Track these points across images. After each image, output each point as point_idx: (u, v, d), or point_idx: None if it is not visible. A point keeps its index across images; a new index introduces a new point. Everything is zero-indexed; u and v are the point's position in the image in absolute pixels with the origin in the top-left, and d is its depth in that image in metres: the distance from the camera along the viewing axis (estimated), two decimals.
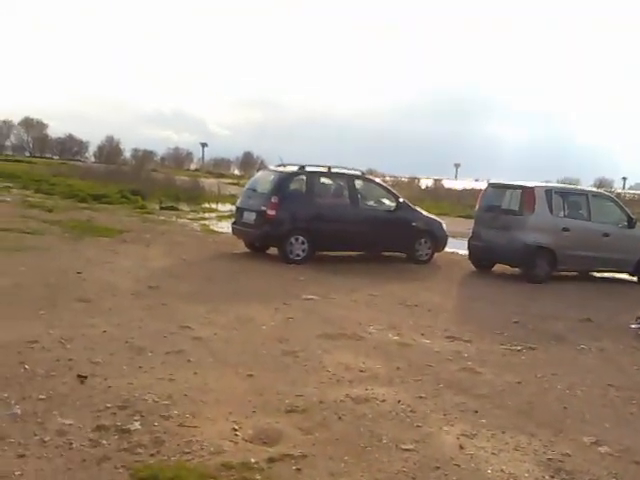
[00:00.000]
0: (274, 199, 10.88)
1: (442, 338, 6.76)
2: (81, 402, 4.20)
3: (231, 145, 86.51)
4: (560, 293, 10.25)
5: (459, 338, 6.77)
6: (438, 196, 33.08)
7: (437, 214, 14.63)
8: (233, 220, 12.36)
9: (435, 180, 45.16)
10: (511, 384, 5.38)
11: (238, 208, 12.08)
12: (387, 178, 42.14)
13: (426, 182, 43.86)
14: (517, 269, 11.60)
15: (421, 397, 4.85)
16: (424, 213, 12.58)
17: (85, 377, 4.62)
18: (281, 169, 11.73)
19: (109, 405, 4.16)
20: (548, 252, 10.88)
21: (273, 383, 4.89)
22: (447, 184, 43.22)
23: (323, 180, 11.88)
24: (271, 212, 10.84)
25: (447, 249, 13.05)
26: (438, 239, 12.36)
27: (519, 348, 6.58)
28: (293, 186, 11.51)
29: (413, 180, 44.18)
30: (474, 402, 4.85)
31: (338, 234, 11.26)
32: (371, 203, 12.11)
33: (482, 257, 11.86)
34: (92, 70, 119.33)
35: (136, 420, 3.97)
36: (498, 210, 11.52)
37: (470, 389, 5.15)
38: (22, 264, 8.79)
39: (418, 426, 4.30)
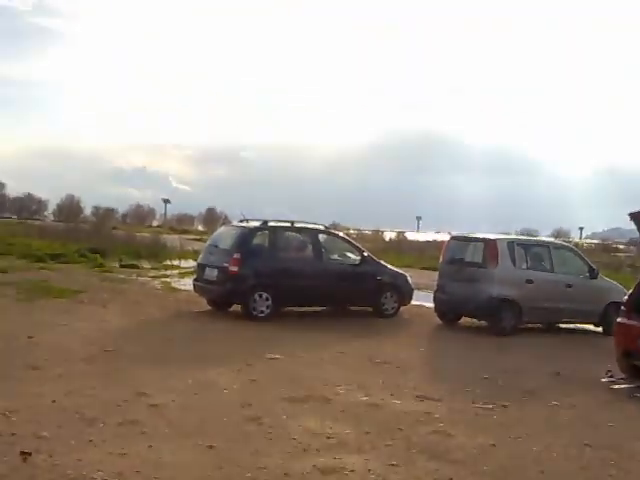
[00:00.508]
0: (236, 255, 10.65)
1: (412, 398, 6.52)
2: None
3: (194, 201, 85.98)
4: (527, 346, 10.15)
5: (429, 397, 6.54)
6: (401, 249, 33.32)
7: (401, 267, 14.59)
8: (194, 277, 12.04)
9: (398, 233, 45.65)
10: (485, 447, 5.15)
11: (199, 264, 11.79)
12: (351, 231, 42.31)
13: (389, 235, 44.28)
14: (483, 322, 11.51)
15: (393, 465, 4.58)
16: (389, 266, 12.48)
17: (29, 454, 4.23)
18: (243, 224, 11.56)
19: None
20: (513, 304, 10.83)
21: (235, 454, 4.57)
22: (410, 236, 43.71)
23: (286, 235, 11.73)
24: (233, 268, 10.58)
25: (413, 302, 12.93)
26: (404, 292, 12.24)
27: (491, 406, 6.38)
28: (256, 241, 11.32)
29: (377, 233, 44.50)
30: (448, 468, 4.59)
31: (303, 289, 11.04)
32: (335, 257, 11.98)
33: (448, 310, 11.76)
34: (53, 128, 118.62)
35: None
36: (462, 263, 11.49)
37: (443, 454, 4.89)
38: None
39: None
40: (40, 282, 13.85)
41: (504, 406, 6.42)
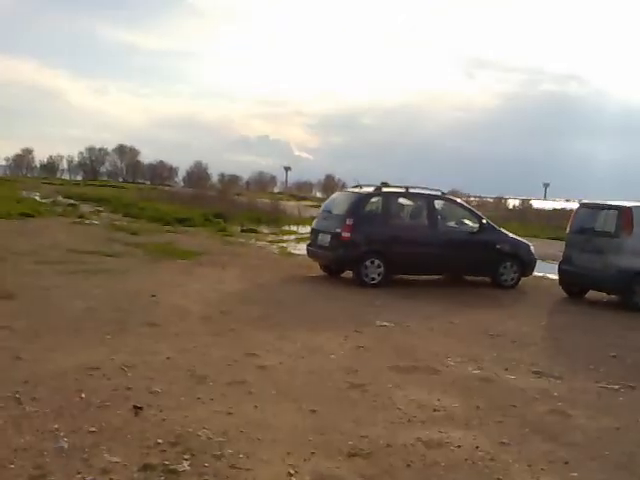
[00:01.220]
0: (349, 221, 10.55)
1: (528, 373, 6.14)
2: (132, 436, 3.97)
3: (314, 168, 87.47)
4: None
5: (548, 374, 6.12)
6: (526, 217, 31.73)
7: (525, 236, 13.82)
8: (308, 242, 12.13)
9: (523, 200, 43.45)
10: (608, 430, 4.72)
11: (313, 230, 11.84)
12: (472, 199, 40.96)
13: (513, 202, 42.29)
14: (613, 296, 10.66)
15: (503, 443, 4.31)
16: (510, 235, 11.86)
17: (140, 408, 4.42)
18: (357, 190, 11.41)
19: (160, 441, 3.91)
20: None
21: (337, 421, 4.50)
22: (536, 205, 41.46)
23: (400, 201, 11.45)
24: (346, 234, 10.51)
25: (535, 273, 12.24)
26: (525, 263, 11.61)
27: (617, 387, 5.86)
28: (369, 208, 11.15)
29: (499, 200, 42.69)
30: (565, 451, 4.25)
31: (416, 257, 10.77)
32: (452, 224, 11.54)
33: (574, 283, 10.99)
34: (184, 100, 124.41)
35: (186, 459, 3.69)
36: (592, 232, 10.63)
37: (560, 435, 4.54)
38: (98, 287, 8.89)
39: (499, 479, 3.78)
40: (166, 244, 14.63)
41: (632, 387, 5.88)
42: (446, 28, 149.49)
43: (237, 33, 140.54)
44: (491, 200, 43.10)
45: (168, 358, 5.70)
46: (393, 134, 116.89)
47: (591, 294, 11.05)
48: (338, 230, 10.65)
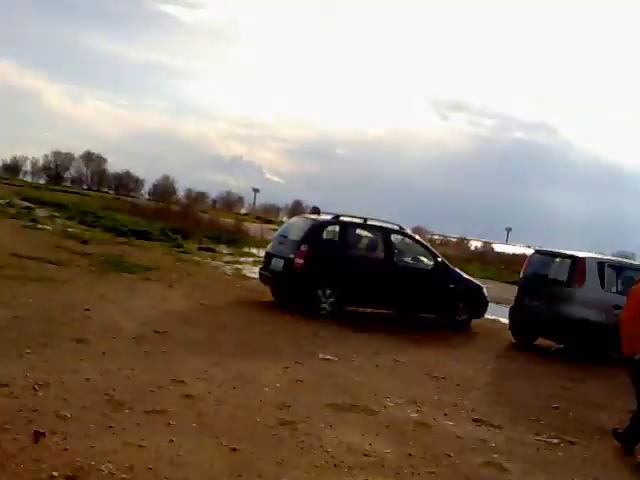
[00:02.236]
0: (303, 247, 10.30)
1: (468, 420, 5.93)
2: (25, 466, 3.59)
3: (284, 193, 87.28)
4: (609, 377, 9.18)
5: (487, 422, 5.92)
6: (486, 259, 32.08)
7: (482, 278, 13.85)
8: (261, 266, 11.83)
9: (485, 243, 43.94)
10: None
11: (267, 254, 11.55)
12: (435, 237, 41.26)
13: (475, 244, 42.78)
14: (562, 345, 10.60)
15: None
16: (464, 275, 11.78)
17: (42, 434, 4.03)
18: (314, 217, 11.19)
19: (55, 474, 3.55)
20: (597, 329, 9.85)
21: (258, 462, 4.19)
22: (497, 248, 41.95)
23: (358, 231, 11.26)
24: (299, 261, 10.25)
25: (488, 316, 12.16)
26: (477, 304, 11.52)
27: (557, 441, 5.70)
28: (325, 235, 10.93)
29: (462, 241, 43.16)
30: None
31: (369, 289, 10.56)
32: (407, 260, 11.40)
33: (524, 328, 10.91)
34: (156, 111, 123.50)
35: None
36: (544, 279, 10.61)
37: None
38: (32, 295, 8.41)
39: None
40: (116, 256, 14.11)
41: (571, 442, 5.72)
42: (424, 68, 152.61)
43: (220, 53, 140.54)
44: (454, 240, 43.55)
45: (87, 379, 5.31)
46: (366, 167, 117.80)
47: (540, 340, 10.98)
48: (292, 256, 10.39)
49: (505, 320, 11.90)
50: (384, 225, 11.26)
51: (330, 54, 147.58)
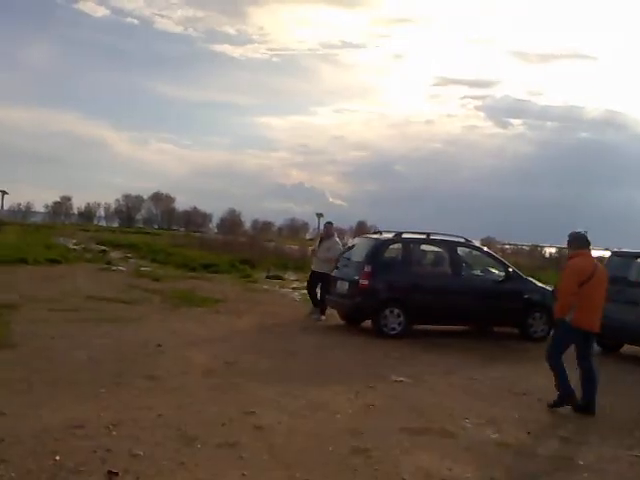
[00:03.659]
0: (367, 268, 10.17)
1: (554, 438, 5.62)
2: None
3: (347, 215, 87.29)
4: None
5: (575, 439, 5.57)
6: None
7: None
8: (328, 290, 11.75)
9: (559, 248, 42.37)
10: None
11: (332, 277, 11.48)
12: (506, 246, 40.12)
13: (549, 250, 41.28)
14: None
15: None
16: (539, 284, 11.30)
17: (116, 474, 4.05)
18: (376, 237, 11.05)
19: None
20: None
21: None
22: None
23: (422, 248, 11.04)
24: (364, 282, 10.11)
25: None
26: None
27: None
28: (389, 254, 10.77)
29: (535, 248, 41.76)
30: None
31: (438, 306, 10.29)
32: (476, 273, 11.06)
33: (605, 335, 10.29)
34: (219, 147, 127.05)
35: None
36: (624, 282, 10.02)
37: None
38: (106, 336, 8.63)
39: None
40: (186, 291, 14.40)
41: None
42: (478, 76, 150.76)
43: (273, 85, 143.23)
44: (526, 248, 42.21)
45: (159, 415, 5.34)
46: (426, 181, 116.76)
47: (626, 348, 10.35)
48: (356, 277, 10.27)
49: None
50: (448, 239, 10.99)
51: (381, 67, 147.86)
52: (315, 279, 11.91)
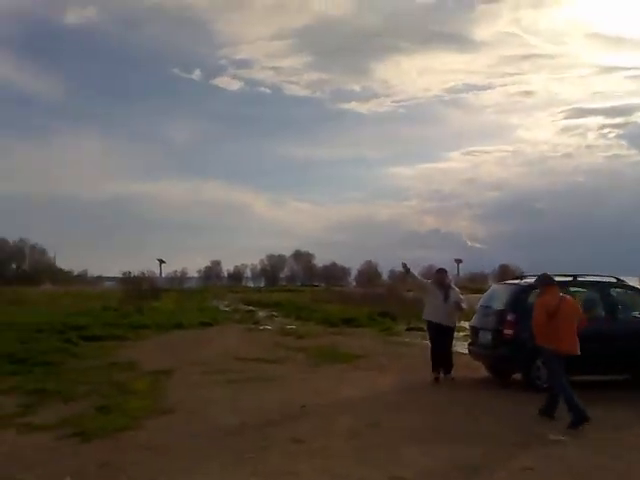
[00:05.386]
0: (510, 317, 9.64)
1: None
2: None
3: (487, 258, 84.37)
4: None
5: None
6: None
7: None
8: (469, 341, 11.30)
9: None
10: None
11: (472, 327, 11.02)
12: None
13: None
14: None
15: None
16: None
17: None
18: (516, 282, 10.51)
19: None
20: None
21: None
22: None
23: (570, 291, 10.28)
24: (508, 331, 9.58)
25: None
26: None
27: None
28: (532, 300, 10.13)
29: None
30: None
31: (595, 354, 9.40)
32: (634, 314, 10.09)
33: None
34: (352, 201, 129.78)
35: None
36: None
37: None
38: (251, 397, 8.89)
39: None
40: (328, 347, 14.60)
41: None
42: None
43: (403, 135, 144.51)
44: None
45: None
46: (570, 218, 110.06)
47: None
48: (499, 327, 9.77)
49: None
50: (599, 279, 10.19)
51: (510, 105, 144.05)
52: (442, 334, 10.69)
